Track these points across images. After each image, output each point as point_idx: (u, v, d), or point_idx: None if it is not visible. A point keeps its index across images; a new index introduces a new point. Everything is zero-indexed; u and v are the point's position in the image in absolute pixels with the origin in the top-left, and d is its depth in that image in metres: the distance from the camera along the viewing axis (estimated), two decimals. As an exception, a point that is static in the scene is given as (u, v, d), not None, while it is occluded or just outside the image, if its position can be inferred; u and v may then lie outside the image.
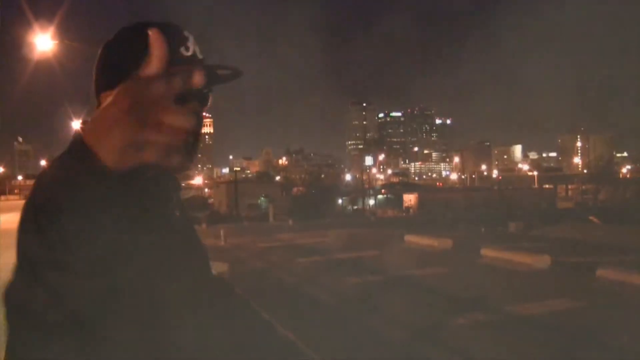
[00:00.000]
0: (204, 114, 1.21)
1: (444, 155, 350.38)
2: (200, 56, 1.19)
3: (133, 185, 1.08)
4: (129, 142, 0.85)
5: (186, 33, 1.18)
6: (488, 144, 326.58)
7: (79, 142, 0.95)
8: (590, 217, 32.89)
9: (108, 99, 0.94)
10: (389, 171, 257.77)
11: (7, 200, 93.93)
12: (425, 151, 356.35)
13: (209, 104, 1.19)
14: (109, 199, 0.97)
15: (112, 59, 1.18)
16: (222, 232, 19.56)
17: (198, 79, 0.97)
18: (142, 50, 1.03)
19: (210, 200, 73.53)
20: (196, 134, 1.08)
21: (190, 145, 1.01)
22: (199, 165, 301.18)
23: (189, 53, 1.16)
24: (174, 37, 1.13)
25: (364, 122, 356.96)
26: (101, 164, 0.90)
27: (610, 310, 9.07)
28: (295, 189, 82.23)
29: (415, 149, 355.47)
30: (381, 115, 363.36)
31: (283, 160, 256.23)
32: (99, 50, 1.20)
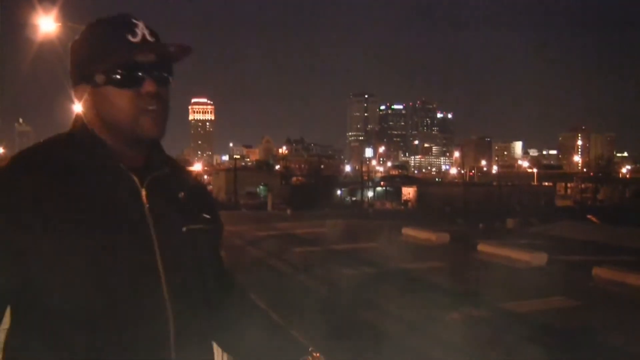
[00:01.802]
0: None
1: (444, 149, 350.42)
2: (150, 39, 1.29)
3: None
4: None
5: (134, 20, 1.29)
6: (489, 139, 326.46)
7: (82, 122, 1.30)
8: (589, 216, 32.82)
9: (81, 92, 1.30)
10: (389, 164, 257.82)
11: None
12: (426, 145, 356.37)
13: (169, 84, 1.31)
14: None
15: (76, 58, 1.31)
16: (219, 219, 19.47)
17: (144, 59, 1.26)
18: (98, 49, 1.27)
19: (209, 187, 73.53)
20: (159, 109, 1.27)
21: (160, 117, 1.28)
22: (199, 152, 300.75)
23: (137, 39, 1.26)
24: (120, 27, 1.27)
25: (365, 114, 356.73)
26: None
27: (605, 309, 9.08)
28: (294, 179, 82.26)
29: (416, 142, 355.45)
30: (383, 107, 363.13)
31: (283, 150, 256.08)
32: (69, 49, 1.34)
